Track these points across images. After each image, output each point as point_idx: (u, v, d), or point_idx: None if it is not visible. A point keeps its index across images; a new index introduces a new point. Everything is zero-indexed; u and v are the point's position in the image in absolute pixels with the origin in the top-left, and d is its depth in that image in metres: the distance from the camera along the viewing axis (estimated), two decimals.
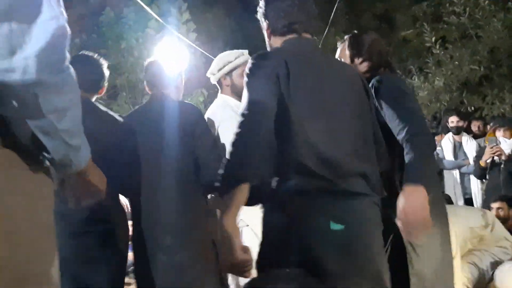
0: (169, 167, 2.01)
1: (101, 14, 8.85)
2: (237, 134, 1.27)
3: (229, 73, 2.31)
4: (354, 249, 1.28)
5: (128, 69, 9.03)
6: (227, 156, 1.27)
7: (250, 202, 1.26)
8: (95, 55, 2.32)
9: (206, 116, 2.25)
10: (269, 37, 1.54)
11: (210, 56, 7.48)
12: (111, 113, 2.24)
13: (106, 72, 2.28)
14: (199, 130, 2.04)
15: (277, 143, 1.32)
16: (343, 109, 1.39)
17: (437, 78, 7.86)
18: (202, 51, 7.91)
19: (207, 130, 2.09)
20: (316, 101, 1.35)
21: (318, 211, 1.29)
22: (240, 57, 2.30)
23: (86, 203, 1.15)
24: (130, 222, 2.18)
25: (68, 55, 0.89)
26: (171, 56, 6.65)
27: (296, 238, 1.27)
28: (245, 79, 1.38)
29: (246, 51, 2.36)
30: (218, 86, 2.39)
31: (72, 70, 0.92)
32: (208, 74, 2.40)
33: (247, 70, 1.38)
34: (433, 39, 7.79)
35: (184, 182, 2.02)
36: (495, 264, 2.79)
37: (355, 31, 1.97)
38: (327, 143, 1.32)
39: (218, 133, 2.19)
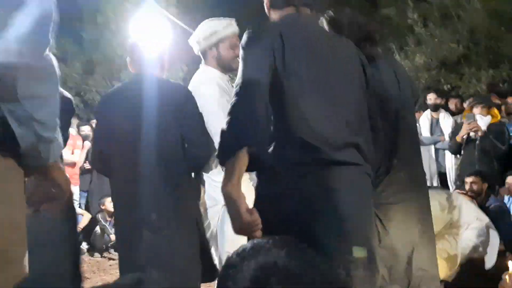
0: (152, 144, 1.99)
1: None
2: (234, 105, 1.31)
3: (216, 43, 2.15)
4: (344, 217, 1.31)
5: (104, 43, 8.79)
6: (225, 125, 1.30)
7: (248, 168, 1.30)
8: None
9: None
10: (268, 11, 1.56)
11: (191, 31, 7.31)
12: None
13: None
14: (188, 109, 2.03)
15: (272, 115, 1.36)
16: (337, 82, 1.42)
17: (417, 55, 7.92)
18: (183, 25, 7.74)
19: (196, 109, 2.06)
20: (310, 74, 1.37)
21: (310, 181, 1.32)
22: (228, 27, 2.15)
23: (47, 206, 1.09)
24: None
25: (51, 41, 0.87)
26: (151, 31, 6.54)
27: (288, 207, 1.31)
28: (241, 52, 1.39)
29: (233, 20, 2.20)
30: (202, 56, 2.22)
31: (53, 58, 0.90)
32: (191, 42, 2.22)
33: (243, 43, 1.39)
34: (415, 16, 7.81)
35: (169, 160, 2.02)
36: (468, 250, 2.72)
37: (331, 11, 1.93)
38: (321, 115, 1.36)
39: (202, 109, 2.05)
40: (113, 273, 3.87)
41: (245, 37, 1.41)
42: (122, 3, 8.47)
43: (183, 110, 2.01)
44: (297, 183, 1.33)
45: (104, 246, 4.80)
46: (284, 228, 1.24)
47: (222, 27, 2.13)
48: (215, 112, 1.99)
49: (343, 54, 1.50)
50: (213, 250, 2.12)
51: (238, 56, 2.11)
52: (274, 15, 1.53)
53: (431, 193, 1.88)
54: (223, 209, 2.00)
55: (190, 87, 2.16)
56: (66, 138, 1.91)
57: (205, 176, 2.09)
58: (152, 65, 2.15)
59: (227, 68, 2.17)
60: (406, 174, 1.74)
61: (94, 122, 6.55)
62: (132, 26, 6.00)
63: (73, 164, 5.23)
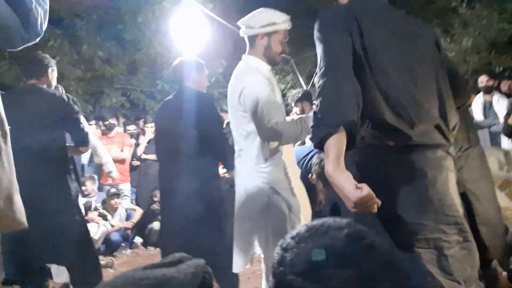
0: (183, 144, 2.50)
1: None
2: (324, 86, 1.29)
3: (270, 34, 2.11)
4: (433, 198, 1.30)
5: (146, 43, 8.96)
6: (316, 107, 1.28)
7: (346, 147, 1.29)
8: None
9: (231, 85, 2.15)
10: None
11: (229, 25, 7.34)
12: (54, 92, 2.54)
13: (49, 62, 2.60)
14: (209, 113, 2.55)
15: None
16: (416, 63, 1.40)
17: (465, 38, 7.57)
18: (222, 20, 7.76)
19: (214, 113, 2.61)
20: (389, 55, 1.36)
21: (396, 163, 1.32)
22: (285, 22, 2.13)
23: None
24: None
25: None
26: (189, 28, 6.60)
27: (377, 189, 1.26)
28: (317, 34, 1.38)
29: (289, 17, 2.19)
30: (248, 42, 2.18)
31: None
32: (241, 24, 2.17)
33: (319, 26, 1.38)
34: None
35: (195, 154, 2.50)
36: None
37: None
38: (403, 97, 1.34)
39: (243, 97, 2.03)
40: None
41: (320, 19, 1.40)
42: (160, 2, 8.59)
43: (204, 113, 2.51)
44: (380, 165, 1.32)
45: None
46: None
47: (281, 20, 2.11)
48: (269, 102, 2.00)
49: (419, 33, 1.47)
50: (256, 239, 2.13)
51: (284, 52, 2.17)
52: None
53: (489, 151, 1.83)
54: (267, 197, 2.03)
55: (232, 80, 2.17)
56: None
57: (249, 167, 2.08)
58: (187, 80, 2.71)
59: (272, 60, 2.16)
60: (479, 148, 1.71)
61: (141, 121, 6.75)
62: (172, 25, 6.09)
63: (123, 161, 5.38)
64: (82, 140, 2.54)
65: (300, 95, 4.43)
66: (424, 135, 1.33)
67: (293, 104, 4.52)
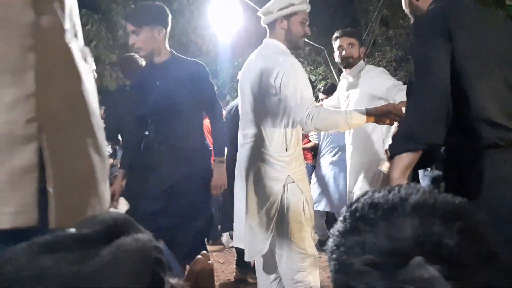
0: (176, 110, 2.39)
1: None
2: (416, 99, 1.30)
3: (289, 16, 2.07)
4: None
5: (179, 30, 9.03)
6: (406, 118, 1.29)
7: (419, 165, 1.33)
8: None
9: (259, 66, 2.05)
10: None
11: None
12: None
13: None
14: (205, 84, 2.42)
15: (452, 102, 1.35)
16: (504, 61, 1.39)
17: None
18: (256, 6, 7.71)
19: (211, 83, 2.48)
20: (488, 57, 1.36)
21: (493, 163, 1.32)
22: (303, 3, 2.07)
23: None
24: None
25: None
26: (223, 16, 6.60)
27: (486, 191, 1.29)
28: (415, 39, 1.38)
29: None
30: (268, 29, 2.13)
31: None
32: (261, 13, 2.14)
33: (415, 31, 1.39)
34: None
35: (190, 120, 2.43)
36: None
37: None
38: (496, 97, 1.34)
39: (280, 83, 1.94)
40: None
41: (416, 23, 1.40)
42: None
43: (202, 84, 2.41)
44: (479, 167, 1.32)
45: None
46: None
47: (299, 1, 2.06)
48: (308, 84, 1.99)
49: (506, 30, 1.45)
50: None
51: (306, 34, 2.11)
52: (424, 2, 1.51)
53: None
54: (285, 185, 2.01)
55: (259, 62, 2.08)
56: None
57: (268, 155, 2.05)
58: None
59: (293, 44, 2.10)
60: None
61: None
62: (209, 11, 6.05)
63: None
64: None
65: (327, 87, 4.48)
66: None
67: (320, 95, 4.51)
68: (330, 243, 0.57)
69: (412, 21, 1.56)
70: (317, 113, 1.90)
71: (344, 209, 0.59)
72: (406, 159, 1.28)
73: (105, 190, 0.97)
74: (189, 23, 8.95)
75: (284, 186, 2.01)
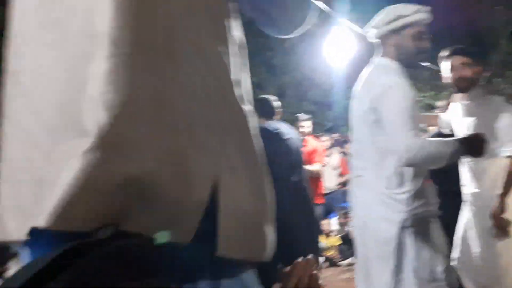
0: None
1: None
2: None
3: (399, 30, 1.80)
4: None
5: (293, 67, 9.52)
6: None
7: None
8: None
9: (358, 91, 1.85)
10: None
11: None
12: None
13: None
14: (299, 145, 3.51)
15: None
16: None
17: None
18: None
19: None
20: None
21: None
22: (417, 13, 1.80)
23: None
24: None
25: None
26: (339, 48, 6.78)
27: None
28: None
29: (423, 7, 1.84)
30: (376, 48, 1.87)
31: None
32: (366, 32, 1.94)
33: None
34: None
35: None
36: None
37: None
38: None
39: (378, 100, 1.69)
40: None
41: None
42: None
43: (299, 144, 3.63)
44: None
45: None
46: None
47: (410, 12, 1.80)
48: (413, 108, 1.69)
49: None
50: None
51: (422, 49, 1.81)
52: None
53: None
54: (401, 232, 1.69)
55: (367, 82, 1.83)
56: None
57: (381, 192, 1.74)
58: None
59: (406, 61, 1.81)
60: None
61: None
62: (324, 46, 6.36)
63: None
64: None
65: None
66: None
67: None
68: None
69: None
70: (420, 143, 1.62)
71: None
72: None
73: None
74: (301, 60, 9.25)
75: (401, 232, 1.72)
